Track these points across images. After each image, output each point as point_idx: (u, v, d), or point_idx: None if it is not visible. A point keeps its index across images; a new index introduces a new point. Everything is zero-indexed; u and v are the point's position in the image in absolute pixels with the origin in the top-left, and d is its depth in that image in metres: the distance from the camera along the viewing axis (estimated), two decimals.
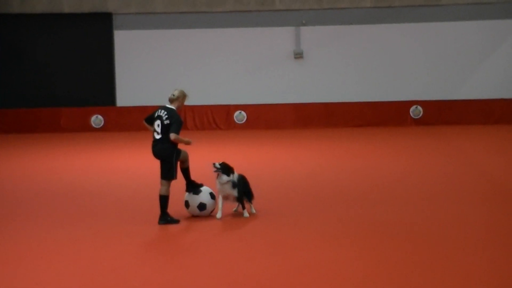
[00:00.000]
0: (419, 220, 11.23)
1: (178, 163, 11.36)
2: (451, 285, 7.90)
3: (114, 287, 8.11)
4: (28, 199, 13.92)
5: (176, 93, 11.41)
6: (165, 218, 11.32)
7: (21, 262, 9.25)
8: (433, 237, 10.07)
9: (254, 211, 11.86)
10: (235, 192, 11.52)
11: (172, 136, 11.08)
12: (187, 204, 11.72)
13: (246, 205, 11.77)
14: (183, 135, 11.36)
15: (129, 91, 29.72)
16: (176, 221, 11.33)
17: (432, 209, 12.09)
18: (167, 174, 11.25)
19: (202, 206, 11.62)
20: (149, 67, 29.82)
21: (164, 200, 11.30)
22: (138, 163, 18.88)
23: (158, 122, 11.27)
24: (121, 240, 10.37)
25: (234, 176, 11.55)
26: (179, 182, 11.66)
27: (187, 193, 11.72)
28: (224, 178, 11.46)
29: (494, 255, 9.14)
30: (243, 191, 11.63)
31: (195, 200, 11.61)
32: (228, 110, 29.34)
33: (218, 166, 11.47)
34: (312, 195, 13.64)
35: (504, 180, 15.08)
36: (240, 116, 29.32)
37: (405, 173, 16.12)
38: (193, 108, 28.02)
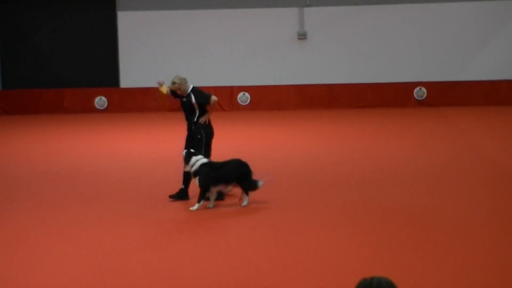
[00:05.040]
0: (422, 204, 11.22)
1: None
2: (453, 269, 7.90)
3: (115, 269, 8.13)
4: (30, 181, 13.93)
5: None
6: (178, 195, 11.51)
7: (23, 244, 9.27)
8: (436, 221, 10.06)
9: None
10: (196, 181, 11.07)
11: None
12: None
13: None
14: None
15: (133, 72, 29.61)
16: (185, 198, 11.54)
17: (434, 193, 12.07)
18: None
19: None
20: (152, 48, 29.68)
21: (185, 176, 11.49)
22: (141, 145, 18.86)
23: None
24: (123, 222, 10.38)
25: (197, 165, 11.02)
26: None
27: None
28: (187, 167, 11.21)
29: (497, 239, 9.14)
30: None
31: None
32: (231, 91, 29.26)
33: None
34: (314, 179, 13.62)
35: (507, 163, 15.03)
36: (243, 98, 29.24)
37: (408, 156, 16.07)
38: None
